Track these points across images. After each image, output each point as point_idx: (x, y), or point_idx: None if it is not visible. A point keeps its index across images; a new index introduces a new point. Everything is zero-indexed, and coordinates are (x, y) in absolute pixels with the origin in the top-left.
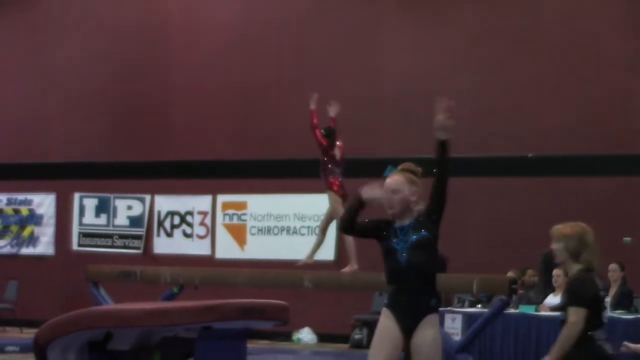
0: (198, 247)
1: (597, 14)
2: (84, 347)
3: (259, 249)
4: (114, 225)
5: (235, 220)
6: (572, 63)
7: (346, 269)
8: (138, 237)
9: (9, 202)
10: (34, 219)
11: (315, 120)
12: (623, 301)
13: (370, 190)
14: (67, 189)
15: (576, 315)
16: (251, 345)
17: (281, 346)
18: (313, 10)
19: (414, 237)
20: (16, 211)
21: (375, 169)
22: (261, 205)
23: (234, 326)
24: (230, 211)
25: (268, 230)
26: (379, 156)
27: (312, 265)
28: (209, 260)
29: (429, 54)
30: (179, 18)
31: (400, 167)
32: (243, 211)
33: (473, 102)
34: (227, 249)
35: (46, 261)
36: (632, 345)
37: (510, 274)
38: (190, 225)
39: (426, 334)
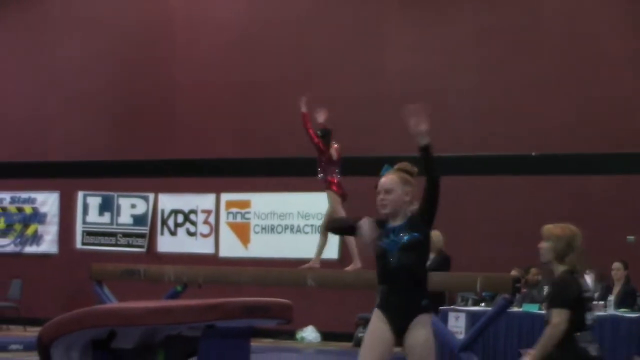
0: (202, 246)
1: (597, 13)
2: (88, 346)
3: (262, 247)
4: (117, 224)
5: (238, 219)
6: (573, 62)
7: (350, 268)
8: (142, 236)
9: (13, 200)
10: (38, 217)
11: (308, 123)
12: (626, 299)
13: (366, 230)
14: (71, 187)
15: (559, 317)
16: (255, 343)
17: (285, 344)
18: (315, 9)
19: (405, 238)
20: (20, 210)
21: (376, 168)
22: (265, 203)
23: (237, 325)
24: (234, 209)
25: (272, 229)
26: (380, 155)
27: None
28: (212, 259)
29: (430, 53)
30: (181, 17)
31: (396, 166)
32: (247, 209)
33: (474, 100)
34: (230, 247)
35: (50, 260)
36: None
37: (513, 272)
38: (193, 223)
39: (418, 334)
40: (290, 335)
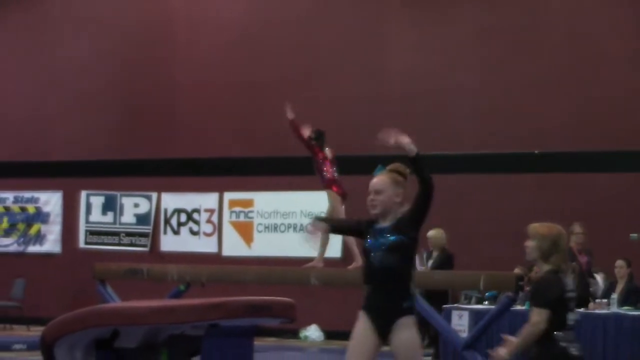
0: (205, 245)
1: (598, 13)
2: (91, 345)
3: (265, 246)
4: (120, 223)
5: (242, 218)
6: (574, 61)
7: (352, 266)
8: (145, 235)
9: (16, 200)
10: (41, 217)
11: (299, 130)
12: (630, 297)
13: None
14: (74, 186)
15: (538, 316)
16: (258, 342)
17: (288, 343)
18: (316, 8)
19: (390, 239)
20: (23, 209)
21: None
22: (268, 202)
23: (241, 324)
24: (237, 208)
25: (275, 228)
26: (381, 154)
27: None
28: (215, 258)
29: (431, 52)
30: (181, 16)
31: (388, 167)
32: (250, 208)
33: (476, 100)
34: (234, 246)
35: (53, 259)
36: None
37: (516, 270)
38: (197, 222)
39: (401, 336)
40: (294, 334)
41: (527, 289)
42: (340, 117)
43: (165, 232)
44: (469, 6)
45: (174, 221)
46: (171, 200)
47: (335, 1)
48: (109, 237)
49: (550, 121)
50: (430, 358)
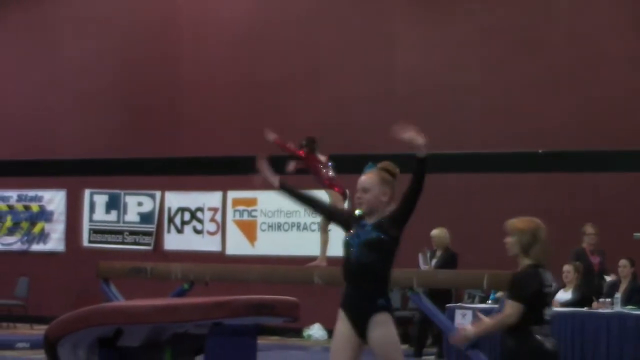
0: (208, 244)
1: (601, 11)
2: (95, 344)
3: (269, 245)
4: (124, 222)
5: (245, 217)
6: (579, 60)
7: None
8: (148, 234)
9: (20, 198)
10: (45, 215)
11: (285, 145)
12: (633, 297)
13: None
14: (78, 185)
15: (511, 309)
16: (261, 341)
17: (292, 342)
18: (321, 6)
19: (369, 236)
20: (27, 208)
21: None
22: (271, 201)
23: (244, 322)
24: (241, 207)
25: (278, 227)
26: (385, 153)
27: None
28: (219, 257)
29: (435, 51)
30: (187, 15)
31: (379, 165)
32: (253, 207)
33: (481, 98)
34: (237, 245)
35: (56, 257)
36: None
37: None
38: (200, 221)
39: (376, 334)
40: (297, 332)
41: None
42: (343, 115)
43: (168, 231)
44: (472, 6)
45: (177, 220)
46: (175, 199)
47: (339, 0)
48: (113, 235)
49: (554, 120)
50: (433, 357)
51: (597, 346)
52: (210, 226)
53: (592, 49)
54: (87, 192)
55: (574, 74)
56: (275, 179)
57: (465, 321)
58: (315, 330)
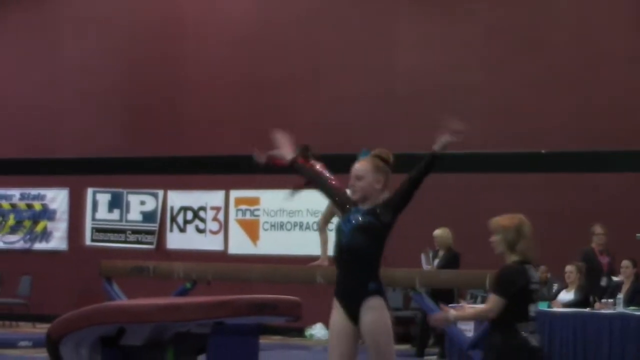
0: (211, 243)
1: (609, 8)
2: (97, 343)
3: (271, 244)
4: (127, 221)
5: (248, 216)
6: (584, 59)
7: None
8: (151, 233)
9: (22, 197)
10: (47, 214)
11: (277, 162)
12: (636, 297)
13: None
14: (80, 184)
15: (493, 303)
16: (264, 340)
17: (294, 342)
18: (324, 6)
19: (361, 220)
20: (29, 206)
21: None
22: (274, 200)
23: (246, 322)
24: (243, 207)
25: (281, 226)
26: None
27: None
28: (221, 256)
29: (439, 50)
30: (190, 14)
31: (373, 152)
32: (256, 207)
33: (484, 97)
34: (240, 244)
35: (59, 256)
36: None
37: None
38: (203, 220)
39: (366, 319)
40: (299, 332)
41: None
42: (344, 115)
43: (171, 230)
44: (473, 5)
45: (180, 219)
46: (177, 198)
47: (340, 0)
48: (115, 234)
49: (556, 120)
50: (435, 357)
51: (599, 347)
52: (212, 225)
53: (594, 49)
54: (89, 191)
55: (575, 73)
56: (289, 154)
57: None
58: (318, 330)
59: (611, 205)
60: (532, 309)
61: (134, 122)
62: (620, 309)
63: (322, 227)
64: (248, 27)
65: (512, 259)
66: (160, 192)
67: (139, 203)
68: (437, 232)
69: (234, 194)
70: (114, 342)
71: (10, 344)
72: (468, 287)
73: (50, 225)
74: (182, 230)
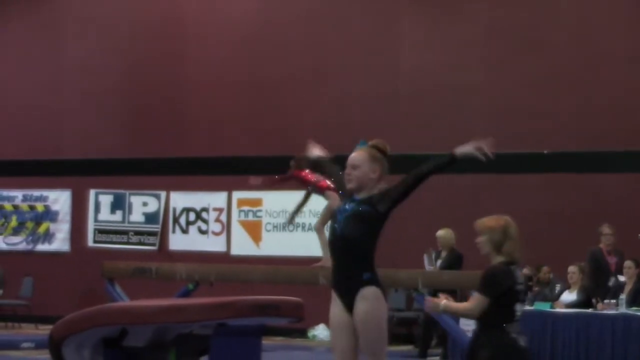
0: (213, 244)
1: (612, 8)
2: (99, 344)
3: (274, 245)
4: (129, 222)
5: (250, 217)
6: (586, 59)
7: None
8: (153, 234)
9: (25, 198)
10: (50, 215)
11: (277, 181)
12: (638, 298)
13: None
14: (83, 185)
15: (477, 302)
16: (266, 341)
17: (296, 343)
18: (326, 6)
19: (355, 209)
20: (32, 207)
21: (391, 165)
22: (276, 201)
23: (249, 323)
24: (246, 208)
25: (283, 227)
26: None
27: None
28: (224, 257)
29: (442, 50)
30: (194, 14)
31: (370, 142)
32: (258, 208)
33: (487, 97)
34: (242, 245)
35: (61, 257)
36: None
37: (525, 270)
38: (205, 221)
39: (358, 309)
40: (302, 333)
41: (535, 289)
42: (346, 115)
43: (173, 231)
44: (476, 6)
45: (182, 220)
46: (180, 199)
47: (342, 0)
48: (118, 235)
49: (559, 120)
50: (438, 358)
51: (601, 347)
52: (215, 226)
53: (595, 49)
54: (92, 192)
55: (576, 73)
56: (317, 152)
57: (470, 322)
58: (320, 331)
59: (613, 206)
60: (519, 310)
61: (136, 123)
62: (622, 309)
63: (320, 228)
64: (249, 27)
65: (497, 259)
66: (163, 193)
67: (142, 204)
68: (440, 232)
69: (237, 195)
70: (116, 344)
71: (13, 345)
72: (471, 287)
73: (52, 226)
74: (185, 231)
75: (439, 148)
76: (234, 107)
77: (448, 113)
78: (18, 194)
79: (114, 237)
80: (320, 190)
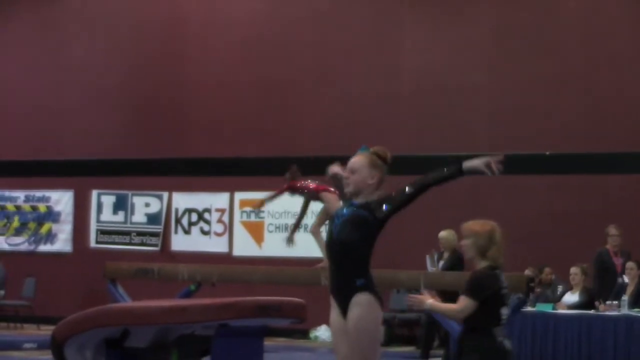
0: (216, 245)
1: (616, 11)
2: (101, 345)
3: (276, 246)
4: (131, 223)
5: (252, 218)
6: (589, 60)
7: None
8: (156, 235)
9: (27, 199)
10: (52, 216)
11: (276, 195)
12: None
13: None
14: (85, 186)
15: (464, 305)
16: (268, 342)
17: (298, 344)
18: (329, 6)
19: (352, 213)
20: (34, 208)
21: (393, 167)
22: (279, 202)
23: (251, 324)
24: (248, 208)
25: (286, 228)
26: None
27: None
28: (226, 258)
29: (445, 51)
30: (197, 14)
31: (372, 149)
32: (260, 208)
33: (491, 98)
34: (244, 246)
35: (64, 258)
36: None
37: (527, 272)
38: (207, 222)
39: (351, 315)
40: (304, 334)
41: (538, 290)
42: (350, 116)
43: (176, 232)
44: (479, 6)
45: (184, 221)
46: (182, 200)
47: (346, 1)
48: (120, 236)
49: (563, 122)
50: (440, 359)
51: (603, 349)
52: (217, 227)
53: (601, 50)
54: (94, 193)
55: (581, 75)
56: (336, 169)
57: None
58: (322, 332)
59: (618, 207)
60: (504, 313)
61: (139, 123)
62: (625, 310)
63: (315, 230)
64: (254, 28)
65: (482, 264)
66: (165, 194)
67: (144, 205)
68: (442, 233)
69: (239, 195)
70: (118, 344)
71: (15, 346)
72: None
73: (54, 227)
74: (187, 232)
75: (441, 149)
76: (236, 108)
77: (450, 114)
78: (20, 195)
79: (116, 238)
80: (316, 194)
